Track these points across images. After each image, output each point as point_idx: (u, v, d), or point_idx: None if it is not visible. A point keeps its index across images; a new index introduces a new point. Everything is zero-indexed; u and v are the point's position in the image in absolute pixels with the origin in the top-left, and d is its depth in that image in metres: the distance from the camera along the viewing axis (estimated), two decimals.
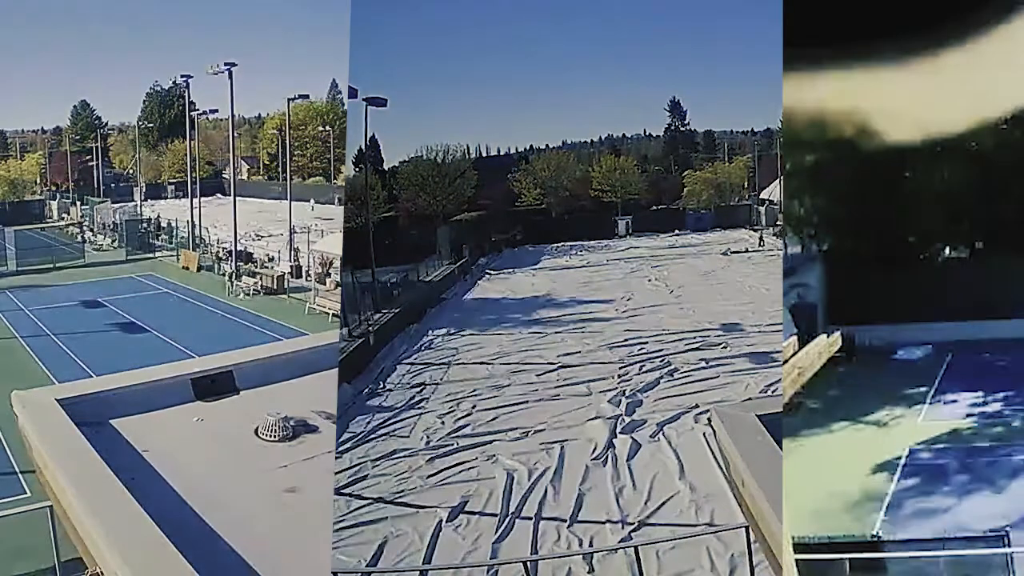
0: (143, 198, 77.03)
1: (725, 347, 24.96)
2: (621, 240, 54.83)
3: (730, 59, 66.61)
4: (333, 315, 33.70)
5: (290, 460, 8.68)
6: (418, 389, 22.04)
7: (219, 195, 72.81)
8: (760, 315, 28.41)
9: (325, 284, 40.21)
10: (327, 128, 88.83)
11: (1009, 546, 11.15)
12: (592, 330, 28.08)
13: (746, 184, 61.90)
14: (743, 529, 9.38)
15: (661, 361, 23.53)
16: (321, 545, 7.70)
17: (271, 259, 48.68)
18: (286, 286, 41.90)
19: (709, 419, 16.45)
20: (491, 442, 17.50)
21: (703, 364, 23.11)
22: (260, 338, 30.44)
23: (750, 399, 19.75)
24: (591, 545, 12.80)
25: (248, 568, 6.95)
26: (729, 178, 60.99)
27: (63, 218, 68.79)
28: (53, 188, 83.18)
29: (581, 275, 41.24)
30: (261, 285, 41.83)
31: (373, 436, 18.25)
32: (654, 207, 60.00)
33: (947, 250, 29.52)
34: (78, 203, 72.29)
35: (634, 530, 13.22)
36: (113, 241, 58.36)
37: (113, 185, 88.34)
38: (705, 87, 74.89)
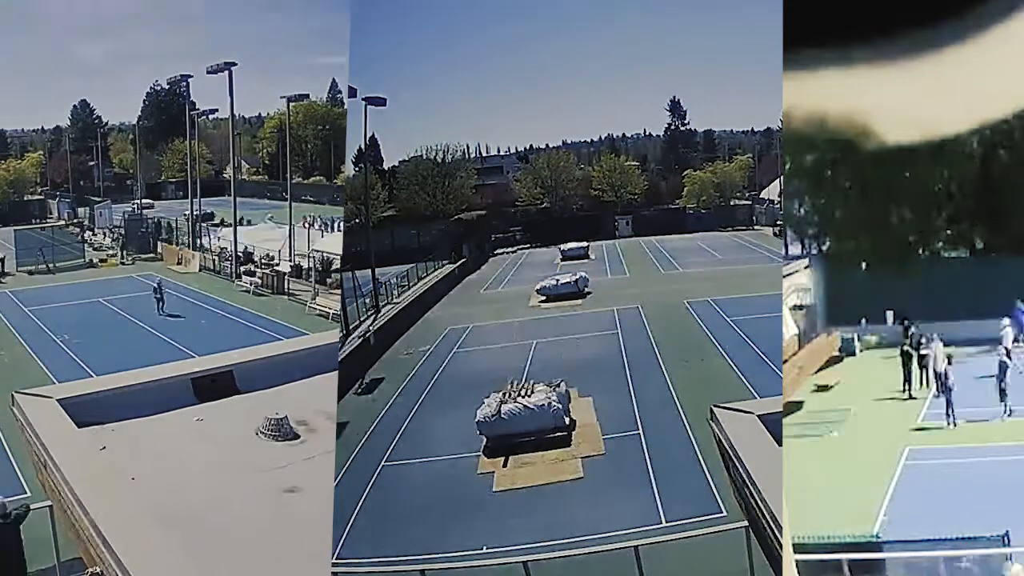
0: (141, 196, 76.90)
1: None
2: None
3: (730, 59, 66.56)
4: (333, 315, 33.75)
5: (290, 460, 8.68)
6: None
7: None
8: None
9: (325, 284, 40.21)
10: (327, 128, 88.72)
11: (1009, 546, 11.16)
12: None
13: (746, 184, 61.92)
14: (743, 529, 9.38)
15: None
16: (321, 545, 7.71)
17: (271, 259, 48.63)
18: (286, 286, 41.87)
19: (710, 419, 16.39)
20: None
21: None
22: (260, 337, 30.45)
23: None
24: None
25: (248, 567, 6.96)
26: (729, 178, 60.96)
27: (63, 218, 68.72)
28: (53, 188, 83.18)
29: None
30: (262, 285, 41.82)
31: None
32: (654, 207, 60.06)
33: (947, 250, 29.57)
34: (77, 203, 72.22)
35: None
36: (114, 241, 58.31)
37: (113, 184, 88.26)
38: (705, 87, 74.86)
